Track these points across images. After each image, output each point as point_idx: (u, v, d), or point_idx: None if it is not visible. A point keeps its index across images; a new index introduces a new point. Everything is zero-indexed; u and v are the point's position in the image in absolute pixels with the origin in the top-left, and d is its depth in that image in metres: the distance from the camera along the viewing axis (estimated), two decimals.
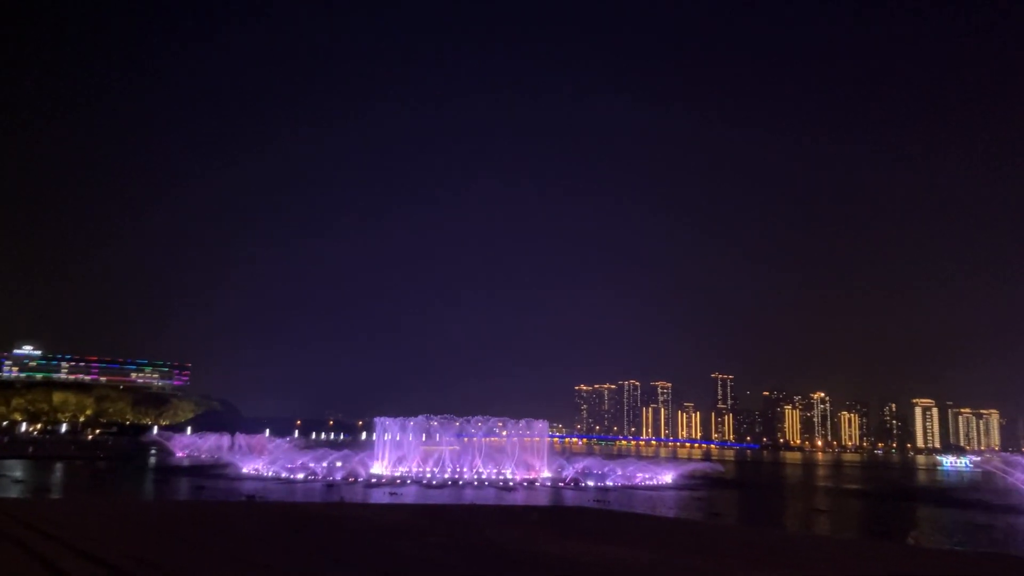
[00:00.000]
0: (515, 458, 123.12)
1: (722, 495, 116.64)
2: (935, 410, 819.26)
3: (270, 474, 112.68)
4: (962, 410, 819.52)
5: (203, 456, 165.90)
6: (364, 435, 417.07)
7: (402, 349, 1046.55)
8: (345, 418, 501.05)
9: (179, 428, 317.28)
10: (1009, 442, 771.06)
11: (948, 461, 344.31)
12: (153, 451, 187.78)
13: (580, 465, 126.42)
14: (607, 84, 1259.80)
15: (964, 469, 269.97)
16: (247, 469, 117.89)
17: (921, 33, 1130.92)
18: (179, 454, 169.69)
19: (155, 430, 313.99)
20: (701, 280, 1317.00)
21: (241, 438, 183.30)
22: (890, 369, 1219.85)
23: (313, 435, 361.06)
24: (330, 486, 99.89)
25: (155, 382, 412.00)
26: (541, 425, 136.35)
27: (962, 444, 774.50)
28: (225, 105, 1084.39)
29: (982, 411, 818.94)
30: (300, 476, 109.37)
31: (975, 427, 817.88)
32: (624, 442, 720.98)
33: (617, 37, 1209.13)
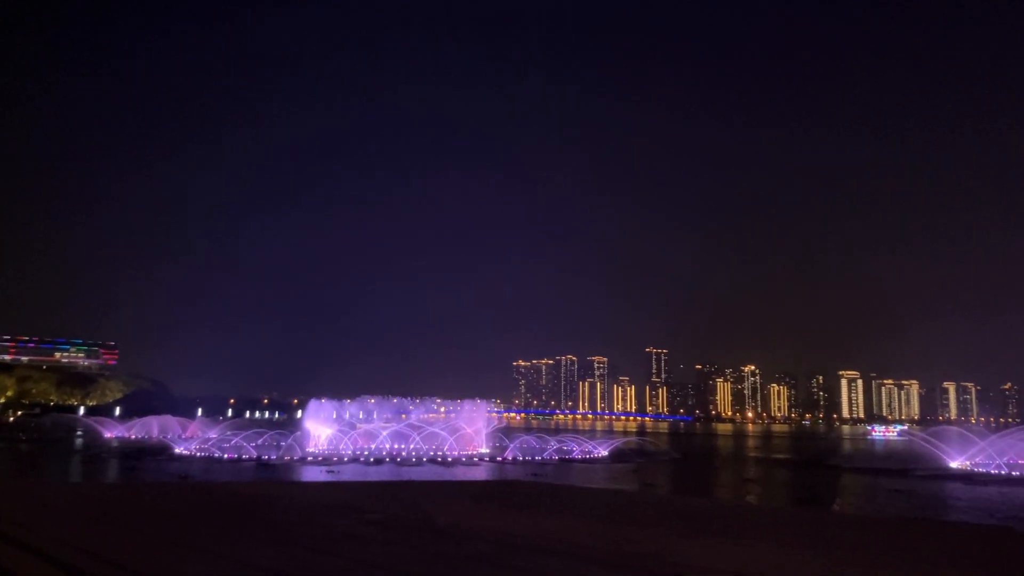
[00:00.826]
0: (453, 435, 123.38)
1: (656, 467, 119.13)
2: (860, 382, 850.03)
3: (203, 454, 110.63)
4: (885, 381, 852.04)
5: (133, 437, 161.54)
6: (300, 413, 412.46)
7: (339, 326, 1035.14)
8: (280, 396, 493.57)
9: (107, 409, 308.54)
10: (928, 411, 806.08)
11: (880, 431, 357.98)
12: (80, 432, 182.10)
13: (518, 440, 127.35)
14: (532, 65, 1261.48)
15: (895, 438, 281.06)
16: (180, 450, 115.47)
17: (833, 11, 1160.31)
18: (108, 435, 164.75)
19: (81, 411, 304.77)
20: (636, 257, 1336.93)
21: (173, 419, 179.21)
22: (818, 343, 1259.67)
23: (248, 414, 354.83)
24: (265, 465, 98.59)
25: (81, 362, 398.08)
26: (479, 402, 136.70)
27: (884, 414, 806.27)
28: (156, 86, 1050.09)
29: (903, 382, 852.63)
30: (234, 456, 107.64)
31: (897, 397, 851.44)
32: (561, 416, 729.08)
33: (540, 20, 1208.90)
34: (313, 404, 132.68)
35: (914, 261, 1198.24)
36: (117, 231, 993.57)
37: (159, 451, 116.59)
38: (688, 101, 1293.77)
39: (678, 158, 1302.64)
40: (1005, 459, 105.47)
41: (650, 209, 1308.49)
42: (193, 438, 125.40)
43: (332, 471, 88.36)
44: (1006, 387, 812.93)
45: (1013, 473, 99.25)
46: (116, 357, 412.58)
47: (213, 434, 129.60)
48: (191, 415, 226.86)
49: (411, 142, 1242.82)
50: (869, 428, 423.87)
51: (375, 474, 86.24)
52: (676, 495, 73.47)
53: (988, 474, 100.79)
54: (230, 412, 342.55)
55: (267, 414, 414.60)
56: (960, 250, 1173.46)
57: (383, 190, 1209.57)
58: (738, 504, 60.17)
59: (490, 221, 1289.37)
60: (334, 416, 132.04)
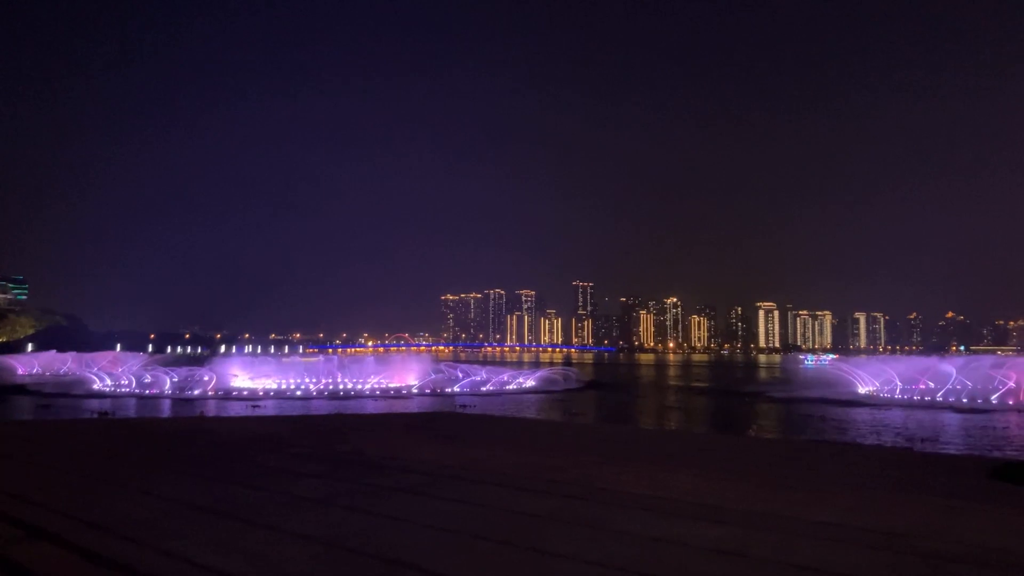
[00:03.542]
0: (381, 367, 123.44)
1: (581, 396, 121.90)
2: (776, 313, 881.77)
3: (123, 390, 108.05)
4: (800, 312, 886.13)
5: (46, 374, 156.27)
6: (224, 348, 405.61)
7: (265, 259, 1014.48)
8: (203, 331, 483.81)
9: (18, 345, 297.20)
10: (839, 340, 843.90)
11: (811, 359, 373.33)
12: None
13: (446, 372, 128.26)
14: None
15: (823, 366, 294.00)
16: (97, 386, 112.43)
17: None
18: (21, 371, 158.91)
19: None
20: (564, 191, 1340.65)
21: (89, 354, 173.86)
22: (736, 276, 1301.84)
23: (169, 349, 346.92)
24: (188, 401, 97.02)
25: None
26: (406, 335, 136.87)
27: (799, 343, 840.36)
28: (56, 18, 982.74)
29: (817, 313, 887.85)
30: (156, 391, 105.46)
31: (811, 327, 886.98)
32: (490, 349, 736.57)
33: None
34: (238, 338, 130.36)
35: (827, 203, 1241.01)
36: (25, 164, 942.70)
37: (75, 387, 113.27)
38: (610, 43, 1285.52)
39: (609, 102, 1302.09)
40: (910, 384, 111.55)
41: (578, 146, 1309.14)
42: (111, 374, 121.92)
43: (257, 406, 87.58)
44: (911, 316, 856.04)
45: (915, 398, 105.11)
46: (26, 292, 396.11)
47: (133, 369, 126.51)
48: (110, 350, 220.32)
49: (323, 51, 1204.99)
50: (801, 357, 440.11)
51: (300, 408, 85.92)
52: (600, 423, 75.55)
53: (893, 399, 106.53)
54: (150, 347, 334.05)
55: (189, 349, 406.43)
56: (869, 193, 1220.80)
57: (300, 115, 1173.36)
58: (659, 431, 62.36)
59: (419, 153, 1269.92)
60: (259, 350, 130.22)
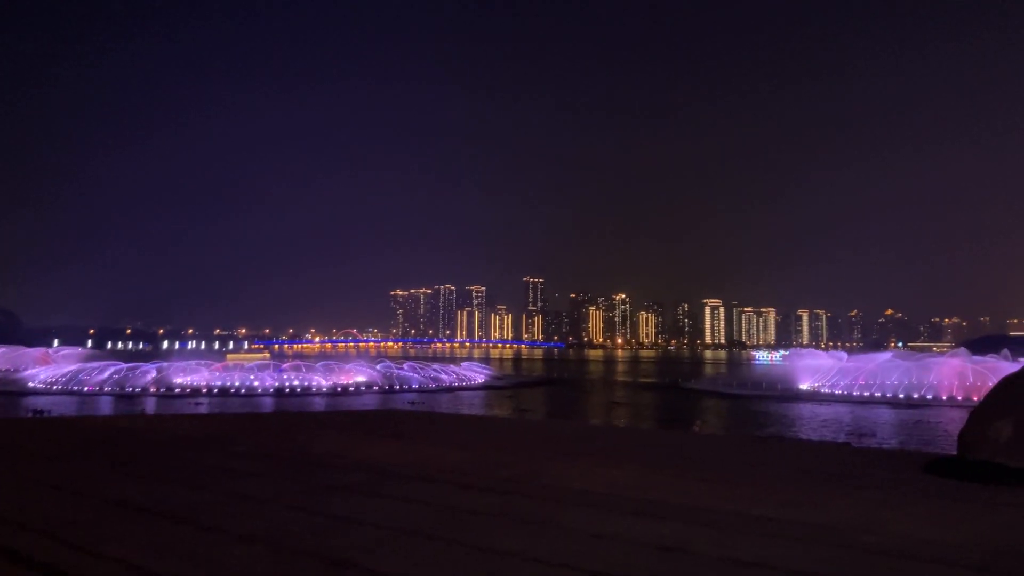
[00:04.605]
0: (329, 364, 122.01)
1: (530, 392, 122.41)
2: (722, 309, 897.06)
3: (60, 387, 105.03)
4: (745, 309, 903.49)
5: None
6: (167, 344, 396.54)
7: (211, 255, 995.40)
8: (145, 326, 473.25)
9: None
10: (783, 336, 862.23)
11: (764, 356, 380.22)
12: None
13: (395, 369, 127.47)
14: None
15: (778, 363, 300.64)
16: (33, 383, 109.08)
17: None
18: None
19: None
20: (515, 187, 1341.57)
21: (25, 349, 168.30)
22: (684, 273, 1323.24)
23: (110, 345, 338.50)
24: (128, 398, 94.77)
25: None
26: (354, 331, 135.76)
27: (744, 340, 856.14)
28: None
29: (762, 309, 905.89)
30: (94, 389, 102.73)
31: (756, 324, 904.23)
32: (439, 345, 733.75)
33: None
34: (183, 334, 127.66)
35: (771, 204, 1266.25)
36: None
37: (7, 385, 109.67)
38: (553, 41, 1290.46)
39: (555, 88, 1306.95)
40: (849, 380, 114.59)
41: (528, 140, 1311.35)
42: (47, 368, 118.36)
43: (199, 403, 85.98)
44: (852, 314, 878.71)
45: (854, 393, 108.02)
46: None
47: (71, 366, 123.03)
48: (46, 346, 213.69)
49: (270, 61, 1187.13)
50: (752, 354, 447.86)
51: (244, 406, 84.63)
52: (549, 419, 75.96)
53: (833, 394, 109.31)
54: (90, 343, 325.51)
55: (131, 345, 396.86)
56: (811, 191, 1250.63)
57: (248, 113, 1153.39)
58: (606, 427, 62.93)
59: (369, 149, 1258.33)
60: (203, 346, 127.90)
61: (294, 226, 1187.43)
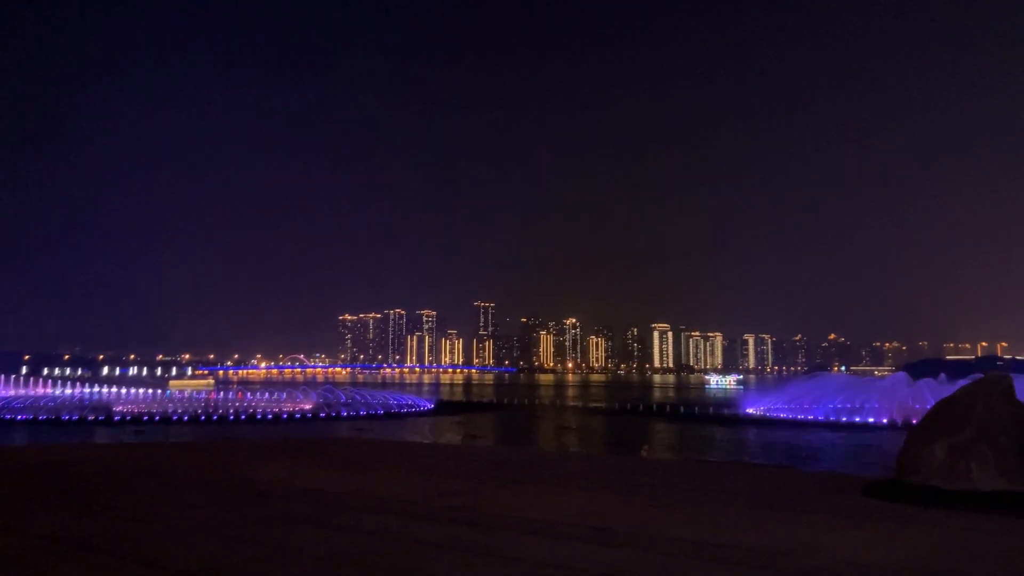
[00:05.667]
0: (275, 391, 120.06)
1: (480, 418, 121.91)
2: (670, 334, 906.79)
3: None
4: (692, 333, 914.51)
5: None
6: (107, 370, 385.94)
7: (152, 278, 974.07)
8: (83, 352, 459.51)
9: None
10: (730, 360, 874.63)
11: (716, 380, 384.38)
12: None
13: (343, 395, 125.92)
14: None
15: (732, 387, 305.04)
16: None
17: None
18: None
19: None
20: (465, 212, 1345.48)
21: None
22: (633, 298, 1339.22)
23: (46, 371, 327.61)
24: (65, 426, 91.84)
25: None
26: (301, 356, 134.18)
27: (692, 364, 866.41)
28: None
29: (709, 334, 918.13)
30: (29, 417, 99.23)
31: (703, 348, 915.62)
32: (389, 370, 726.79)
33: None
34: (122, 360, 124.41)
35: (720, 228, 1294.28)
36: None
37: None
38: (491, 60, 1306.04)
39: (498, 110, 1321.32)
40: (795, 404, 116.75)
41: (476, 166, 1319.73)
42: None
43: (141, 431, 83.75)
44: (797, 338, 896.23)
45: (798, 417, 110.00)
46: None
47: (4, 393, 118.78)
48: None
49: (216, 75, 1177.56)
50: (706, 378, 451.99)
51: (188, 433, 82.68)
52: (498, 445, 75.70)
53: (778, 419, 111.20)
54: (24, 369, 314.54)
55: (68, 371, 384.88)
56: (758, 222, 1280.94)
57: (189, 130, 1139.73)
58: (555, 453, 62.94)
59: (317, 168, 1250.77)
60: (144, 372, 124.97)
61: (239, 249, 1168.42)
